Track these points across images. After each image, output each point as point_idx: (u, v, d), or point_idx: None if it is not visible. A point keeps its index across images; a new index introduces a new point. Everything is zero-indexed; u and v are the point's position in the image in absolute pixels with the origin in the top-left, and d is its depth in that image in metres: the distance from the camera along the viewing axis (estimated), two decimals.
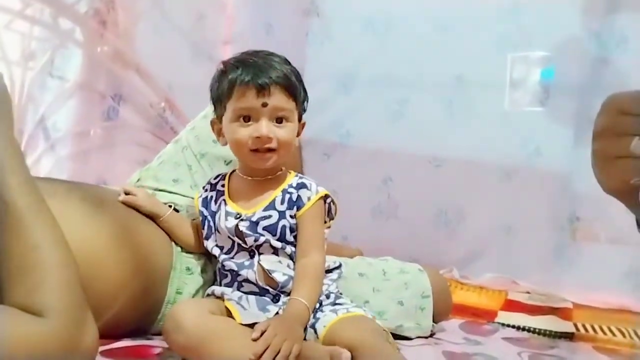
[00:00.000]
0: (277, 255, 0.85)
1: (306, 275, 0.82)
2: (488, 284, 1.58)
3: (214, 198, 0.91)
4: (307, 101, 0.90)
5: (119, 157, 1.82)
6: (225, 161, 1.06)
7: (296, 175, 0.90)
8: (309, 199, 0.86)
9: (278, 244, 0.85)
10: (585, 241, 1.63)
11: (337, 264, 0.91)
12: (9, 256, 0.64)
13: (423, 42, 1.77)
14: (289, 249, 0.86)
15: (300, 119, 0.89)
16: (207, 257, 0.98)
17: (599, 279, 1.50)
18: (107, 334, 0.76)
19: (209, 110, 1.13)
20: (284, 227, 0.85)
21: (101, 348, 0.70)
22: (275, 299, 0.84)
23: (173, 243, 0.95)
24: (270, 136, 0.83)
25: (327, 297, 0.87)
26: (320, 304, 0.85)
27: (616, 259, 1.53)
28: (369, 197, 1.80)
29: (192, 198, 1.06)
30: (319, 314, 0.83)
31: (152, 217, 0.94)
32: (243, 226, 0.85)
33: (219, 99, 0.87)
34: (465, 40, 1.74)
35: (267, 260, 0.85)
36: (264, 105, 0.83)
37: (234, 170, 0.94)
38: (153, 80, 1.86)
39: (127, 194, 0.94)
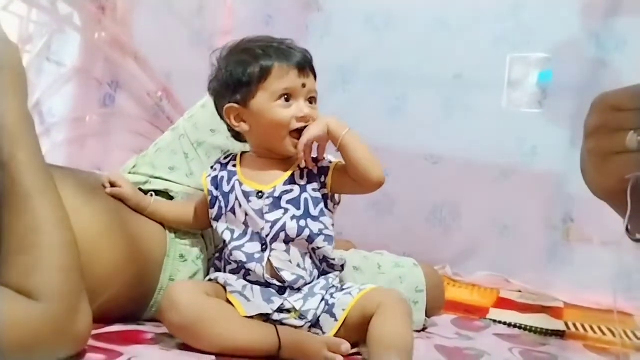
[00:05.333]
0: (288, 252, 0.84)
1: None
2: (480, 282, 1.58)
3: (225, 178, 0.89)
4: None
5: (114, 145, 1.81)
6: (222, 151, 1.06)
7: None
8: (330, 162, 0.87)
9: (294, 230, 0.82)
10: (578, 242, 1.64)
11: (343, 261, 0.89)
12: (10, 234, 0.64)
13: (422, 39, 1.77)
14: (307, 231, 0.83)
15: None
16: (202, 244, 0.98)
17: (590, 280, 1.51)
18: (99, 319, 0.75)
19: (207, 99, 1.13)
20: (306, 199, 0.85)
21: (93, 332, 0.69)
22: (281, 292, 0.83)
23: (167, 230, 0.95)
24: (312, 116, 0.85)
25: (336, 288, 0.86)
26: (331, 295, 0.84)
27: (608, 260, 1.54)
28: None
29: (188, 186, 1.06)
30: (331, 301, 0.83)
31: (139, 210, 0.92)
32: (266, 204, 0.84)
33: (246, 83, 0.85)
34: (464, 38, 1.74)
35: (277, 258, 0.83)
36: (303, 85, 0.85)
37: (243, 152, 0.93)
38: (151, 68, 1.85)
39: (112, 184, 0.91)
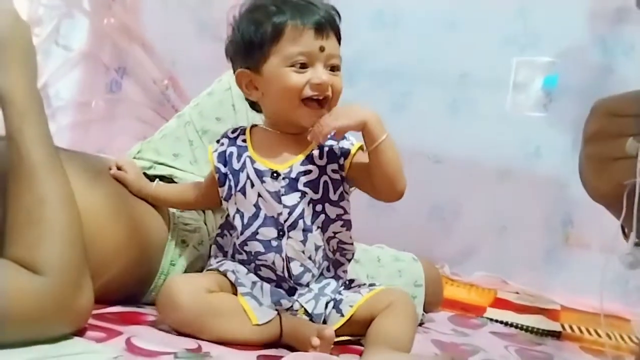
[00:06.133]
0: (304, 243, 0.78)
1: None
2: (478, 282, 1.59)
3: (235, 154, 0.81)
4: None
5: (118, 131, 1.81)
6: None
7: None
8: (352, 144, 0.79)
9: (310, 216, 0.77)
10: (576, 247, 1.65)
11: (354, 250, 0.85)
12: (16, 208, 0.64)
13: (430, 38, 1.77)
14: (323, 216, 0.77)
15: None
16: (204, 230, 0.98)
17: (587, 284, 1.51)
18: (100, 300, 0.76)
19: (213, 87, 1.13)
20: (325, 182, 0.77)
21: (93, 312, 0.70)
22: (291, 292, 0.80)
23: (169, 216, 0.95)
24: (334, 85, 0.75)
25: (345, 285, 0.84)
26: (339, 292, 0.82)
27: (606, 265, 1.54)
28: None
29: (192, 173, 1.06)
30: (339, 297, 0.80)
31: (141, 196, 0.91)
32: (282, 186, 0.77)
33: (258, 45, 0.76)
34: (472, 38, 1.74)
35: (292, 247, 0.78)
36: (322, 49, 0.74)
37: (253, 125, 0.85)
38: (157, 56, 1.85)
39: (119, 168, 0.91)
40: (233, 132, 0.85)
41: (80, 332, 0.66)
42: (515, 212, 1.69)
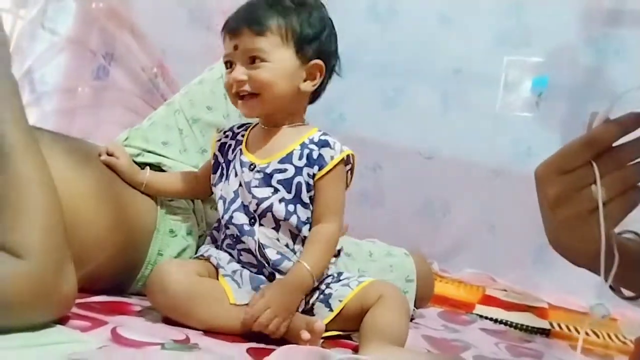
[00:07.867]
0: (277, 230, 0.79)
1: (317, 242, 0.78)
2: (467, 279, 1.59)
3: (232, 147, 0.87)
4: (321, 33, 0.81)
5: (105, 118, 1.77)
6: (217, 129, 1.03)
7: (319, 131, 0.82)
8: (331, 158, 0.79)
9: (282, 213, 0.78)
10: None
11: (339, 247, 0.85)
12: None
13: (424, 33, 1.77)
14: (295, 218, 0.79)
15: (308, 58, 0.80)
16: (193, 220, 0.96)
17: (575, 284, 1.52)
18: (84, 289, 0.74)
19: (204, 76, 1.11)
20: (299, 183, 0.79)
21: (77, 301, 0.68)
22: (270, 278, 0.80)
23: (158, 205, 0.93)
24: (241, 79, 0.78)
25: (332, 277, 0.84)
26: (328, 285, 0.82)
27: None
28: (357, 183, 1.77)
29: (181, 162, 1.04)
30: (328, 291, 0.81)
31: (133, 184, 0.90)
32: (255, 178, 0.80)
33: None
34: (466, 34, 1.74)
35: (265, 235, 0.79)
36: (235, 48, 0.79)
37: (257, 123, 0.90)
38: (147, 43, 1.81)
39: (110, 155, 0.89)
40: (239, 127, 0.90)
41: (64, 321, 0.64)
42: (504, 211, 1.70)
